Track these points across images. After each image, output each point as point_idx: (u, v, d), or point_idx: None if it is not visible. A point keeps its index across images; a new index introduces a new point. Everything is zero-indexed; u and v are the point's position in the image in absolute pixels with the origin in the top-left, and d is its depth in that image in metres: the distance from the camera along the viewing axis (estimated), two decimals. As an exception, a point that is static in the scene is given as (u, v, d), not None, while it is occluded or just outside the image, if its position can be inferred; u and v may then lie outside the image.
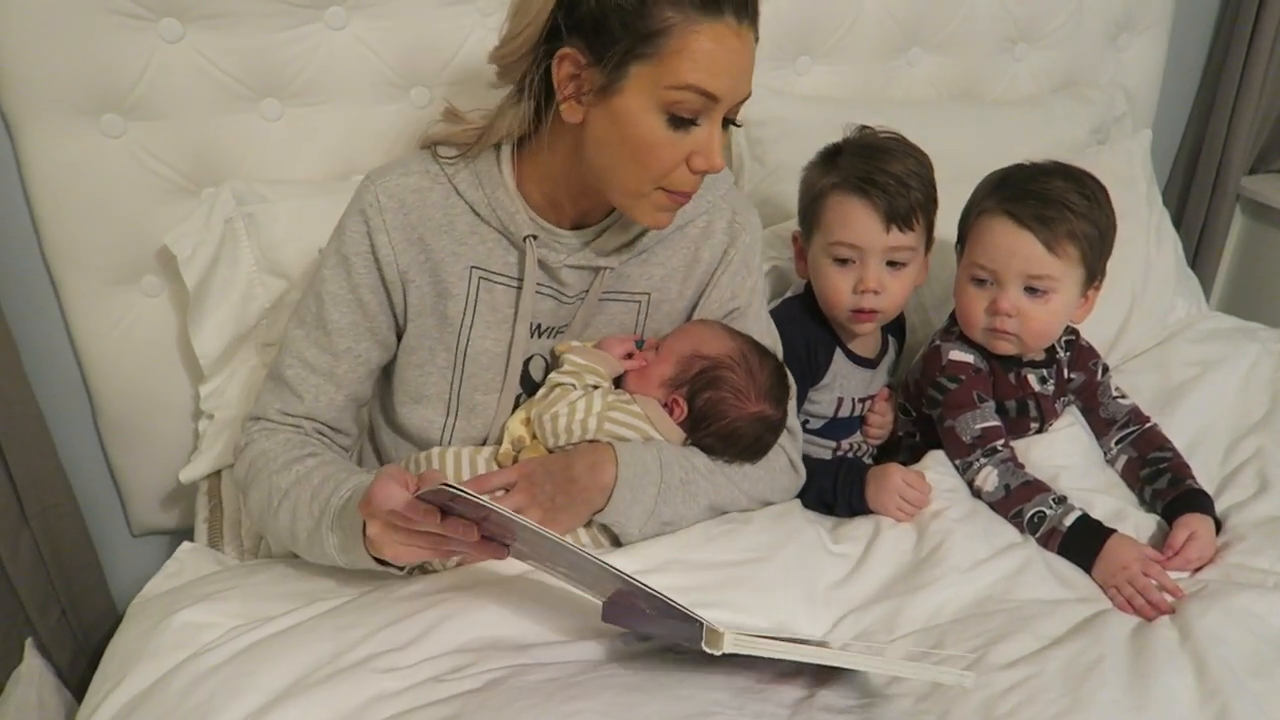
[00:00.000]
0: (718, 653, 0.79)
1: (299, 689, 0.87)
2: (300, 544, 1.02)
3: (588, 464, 1.07)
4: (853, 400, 1.35)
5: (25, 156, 1.30)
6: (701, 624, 0.80)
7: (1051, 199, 1.19)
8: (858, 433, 1.37)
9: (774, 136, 1.59)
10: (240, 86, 1.35)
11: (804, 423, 1.33)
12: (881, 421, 1.37)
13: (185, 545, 1.23)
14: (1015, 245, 1.20)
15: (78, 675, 1.55)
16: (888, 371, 1.40)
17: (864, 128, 1.29)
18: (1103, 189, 1.23)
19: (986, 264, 1.23)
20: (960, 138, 1.61)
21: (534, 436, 1.13)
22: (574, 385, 1.10)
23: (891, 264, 1.24)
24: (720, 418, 1.12)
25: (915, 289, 1.31)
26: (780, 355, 1.22)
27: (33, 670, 1.38)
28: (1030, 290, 1.22)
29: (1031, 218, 1.19)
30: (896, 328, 1.43)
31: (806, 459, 1.27)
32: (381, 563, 0.96)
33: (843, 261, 1.25)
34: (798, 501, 1.22)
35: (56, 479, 1.48)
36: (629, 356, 1.15)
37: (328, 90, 1.40)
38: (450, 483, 0.81)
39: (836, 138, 1.31)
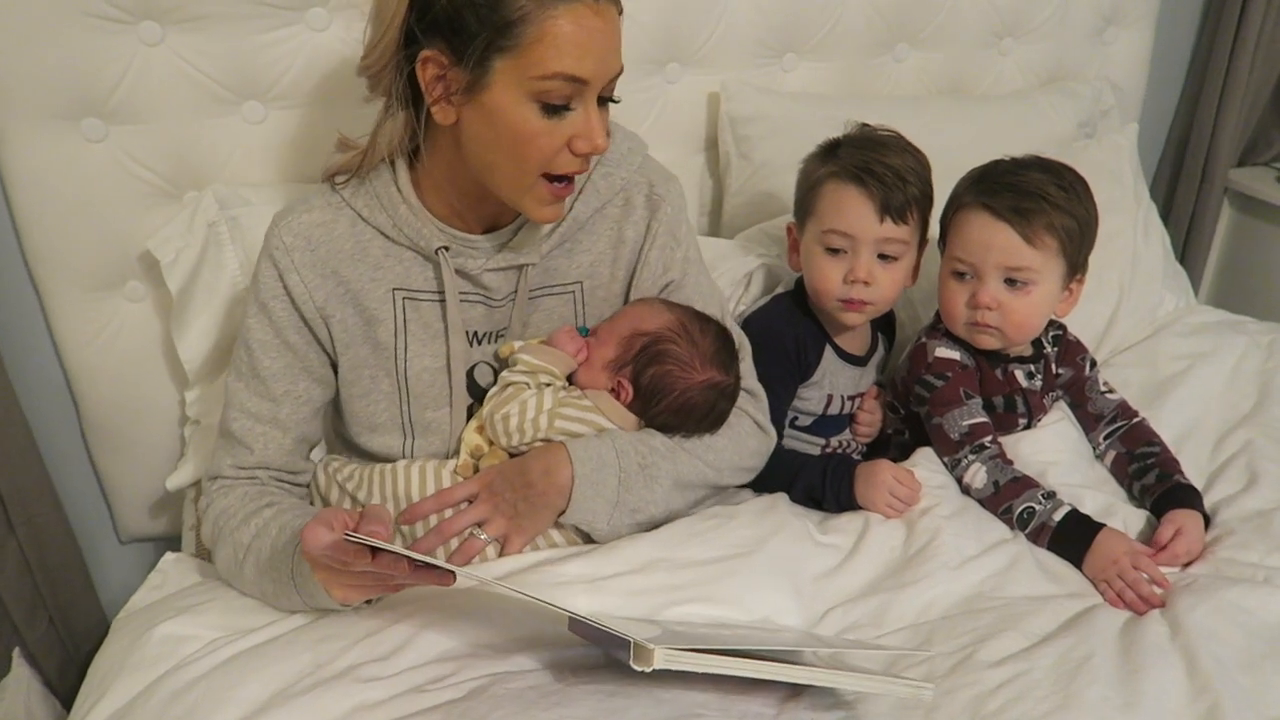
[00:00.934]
0: (648, 669, 0.76)
1: (280, 700, 0.87)
2: (270, 599, 1.02)
3: (543, 468, 1.06)
4: (842, 398, 1.34)
5: (5, 162, 1.29)
6: (630, 641, 0.78)
7: (1028, 191, 1.19)
8: (847, 430, 1.37)
9: (760, 134, 1.58)
10: (222, 89, 1.34)
11: (793, 420, 1.33)
12: (870, 419, 1.37)
13: (169, 556, 1.23)
14: (993, 238, 1.20)
15: (67, 683, 1.54)
16: (877, 369, 1.40)
17: (864, 125, 1.30)
18: (1082, 181, 1.23)
19: (965, 257, 1.23)
20: (948, 133, 1.60)
21: (491, 444, 1.12)
22: (527, 384, 1.10)
23: (883, 257, 1.24)
24: (669, 391, 1.11)
25: (905, 289, 1.31)
26: (724, 314, 1.21)
27: (20, 680, 1.37)
28: (1010, 283, 1.22)
29: (1008, 210, 1.19)
30: (886, 325, 1.42)
31: (794, 453, 1.27)
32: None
33: (835, 251, 1.24)
34: (784, 496, 1.21)
35: (42, 487, 1.47)
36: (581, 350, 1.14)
37: (311, 92, 1.38)
38: (354, 534, 0.81)
39: (824, 135, 1.31)
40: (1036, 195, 1.19)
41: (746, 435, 1.18)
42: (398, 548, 0.82)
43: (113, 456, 1.51)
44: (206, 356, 1.37)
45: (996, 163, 1.26)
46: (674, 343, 1.11)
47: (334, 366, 1.14)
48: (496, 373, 1.16)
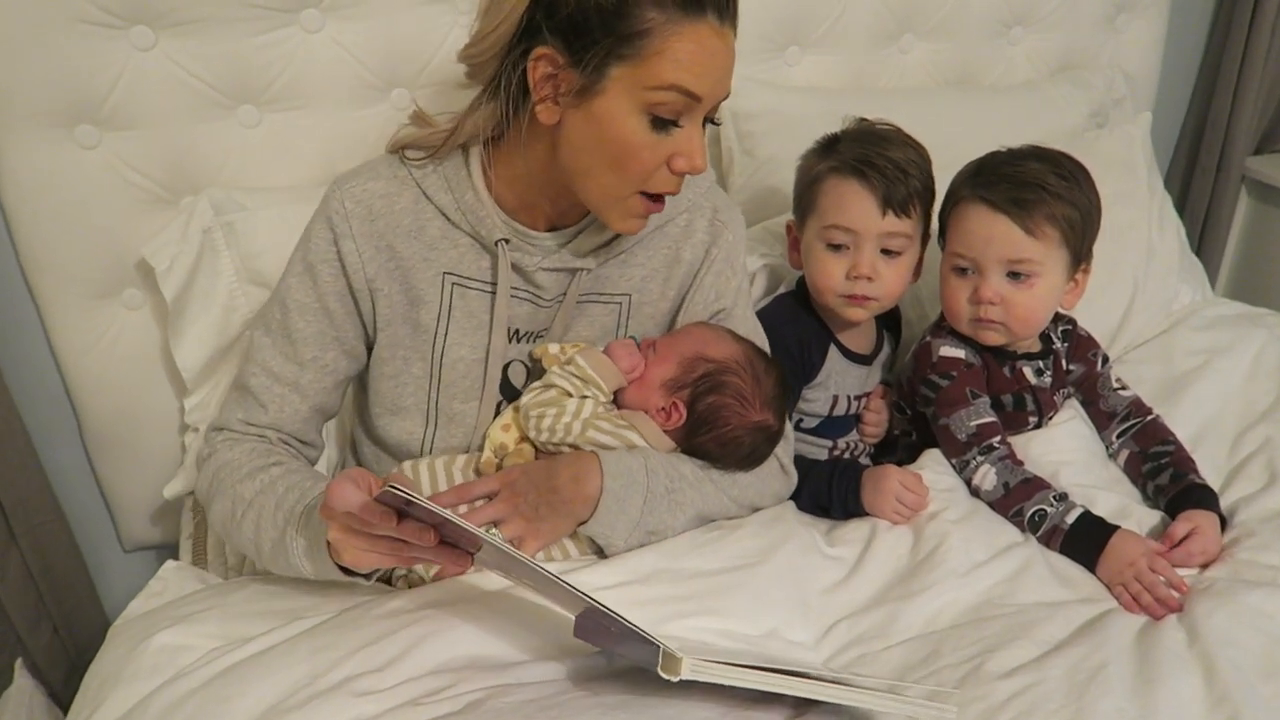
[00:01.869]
0: (675, 679, 0.75)
1: (276, 713, 0.85)
2: (265, 555, 1.00)
3: (572, 474, 1.04)
4: (848, 398, 1.32)
5: (0, 170, 1.28)
6: (659, 648, 0.77)
7: (1026, 181, 1.17)
8: (854, 431, 1.35)
9: (764, 129, 1.56)
10: (216, 93, 1.33)
11: (798, 421, 1.31)
12: (877, 420, 1.34)
13: (169, 564, 1.22)
14: (992, 230, 1.17)
15: (72, 693, 1.51)
16: (883, 368, 1.37)
17: (862, 119, 1.27)
18: (1082, 169, 1.20)
19: (965, 252, 1.20)
20: (956, 125, 1.57)
21: (518, 442, 1.10)
22: (569, 392, 1.08)
23: (886, 252, 1.21)
24: (721, 424, 1.10)
25: (912, 282, 1.28)
26: (767, 351, 1.19)
27: (22, 692, 1.37)
28: (1013, 276, 1.19)
29: (1007, 201, 1.17)
30: (892, 323, 1.40)
31: (800, 460, 1.25)
32: (347, 571, 0.93)
33: (837, 247, 1.22)
34: (791, 504, 1.19)
35: (44, 496, 1.47)
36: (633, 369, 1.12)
37: (306, 95, 1.37)
38: (399, 486, 0.78)
39: (828, 129, 1.29)
40: (1035, 185, 1.16)
41: (771, 477, 1.16)
42: (435, 507, 0.78)
43: (114, 465, 1.50)
44: (204, 363, 1.36)
45: (993, 154, 1.23)
46: (739, 376, 1.09)
47: (368, 343, 1.12)
48: (530, 372, 1.14)
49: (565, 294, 1.11)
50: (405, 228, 1.06)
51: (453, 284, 1.08)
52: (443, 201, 1.06)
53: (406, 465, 1.11)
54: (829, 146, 1.24)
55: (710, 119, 0.99)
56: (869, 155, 1.18)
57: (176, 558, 1.36)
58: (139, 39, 1.26)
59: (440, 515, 0.79)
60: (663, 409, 1.10)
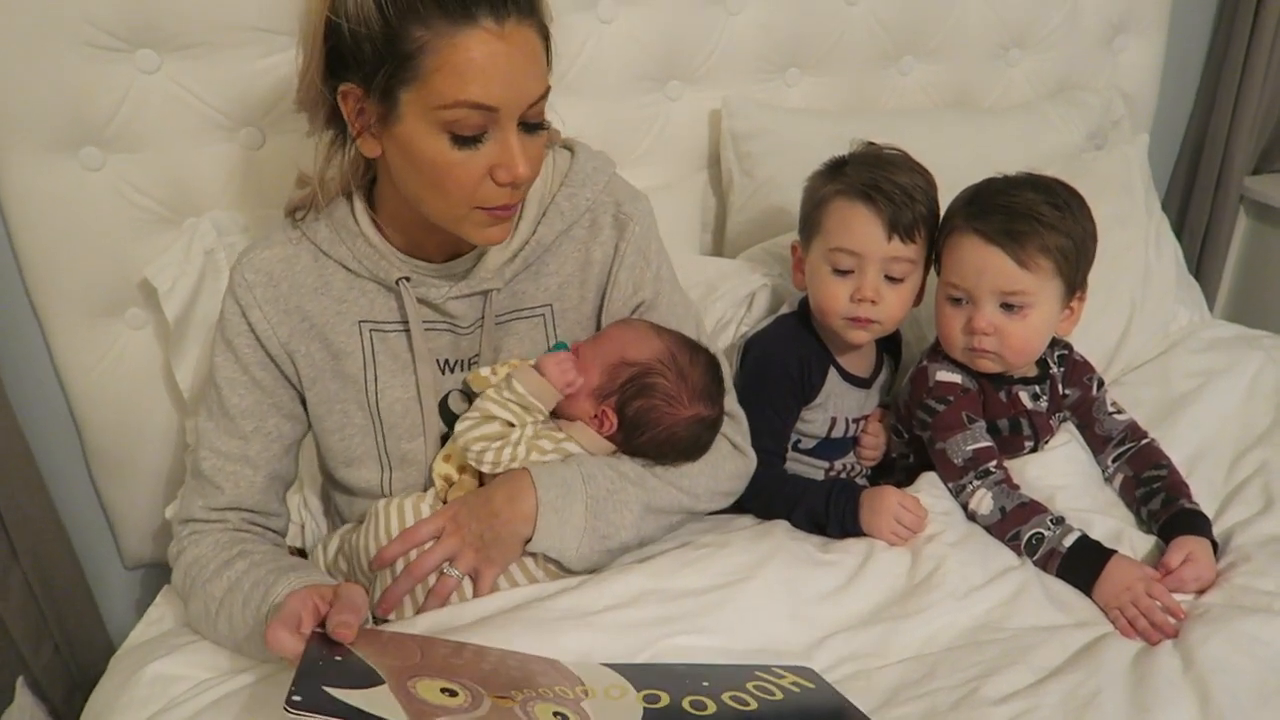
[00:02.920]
0: None
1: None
2: (244, 649, 0.99)
3: (506, 495, 1.04)
4: (846, 420, 1.32)
5: (5, 191, 1.29)
6: None
7: (1020, 212, 1.17)
8: (851, 453, 1.35)
9: (763, 150, 1.57)
10: (219, 116, 1.34)
11: (796, 443, 1.32)
12: (874, 443, 1.35)
13: (167, 589, 1.21)
14: (985, 262, 1.18)
15: (74, 710, 1.52)
16: (882, 391, 1.37)
17: (870, 143, 1.28)
18: (1077, 197, 1.21)
19: (959, 282, 1.21)
20: (955, 146, 1.59)
21: (460, 472, 1.10)
22: (511, 421, 1.07)
23: (890, 277, 1.22)
24: (654, 425, 1.09)
25: (914, 307, 1.29)
26: (700, 333, 1.19)
27: (23, 710, 1.37)
28: (1006, 307, 1.19)
29: (1000, 233, 1.17)
30: (892, 346, 1.40)
31: (796, 477, 1.25)
32: None
33: (841, 271, 1.22)
34: (782, 522, 1.19)
35: (46, 514, 1.47)
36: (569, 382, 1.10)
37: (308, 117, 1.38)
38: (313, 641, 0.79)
39: (828, 151, 1.29)
40: (1028, 216, 1.16)
41: (723, 459, 1.15)
42: (364, 640, 0.79)
43: (116, 483, 1.51)
44: (204, 382, 1.37)
45: (988, 182, 1.23)
46: (663, 375, 1.08)
47: (304, 402, 1.12)
48: (469, 398, 1.13)
49: (482, 317, 1.11)
50: (310, 286, 1.07)
51: (370, 330, 1.09)
52: (339, 253, 1.07)
53: (380, 506, 1.09)
54: (836, 169, 1.25)
55: (533, 123, 0.95)
56: (876, 179, 1.18)
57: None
58: (144, 62, 1.28)
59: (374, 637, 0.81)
60: (595, 417, 1.10)
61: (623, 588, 1.02)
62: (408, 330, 1.08)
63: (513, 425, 1.07)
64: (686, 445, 1.11)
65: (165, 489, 1.48)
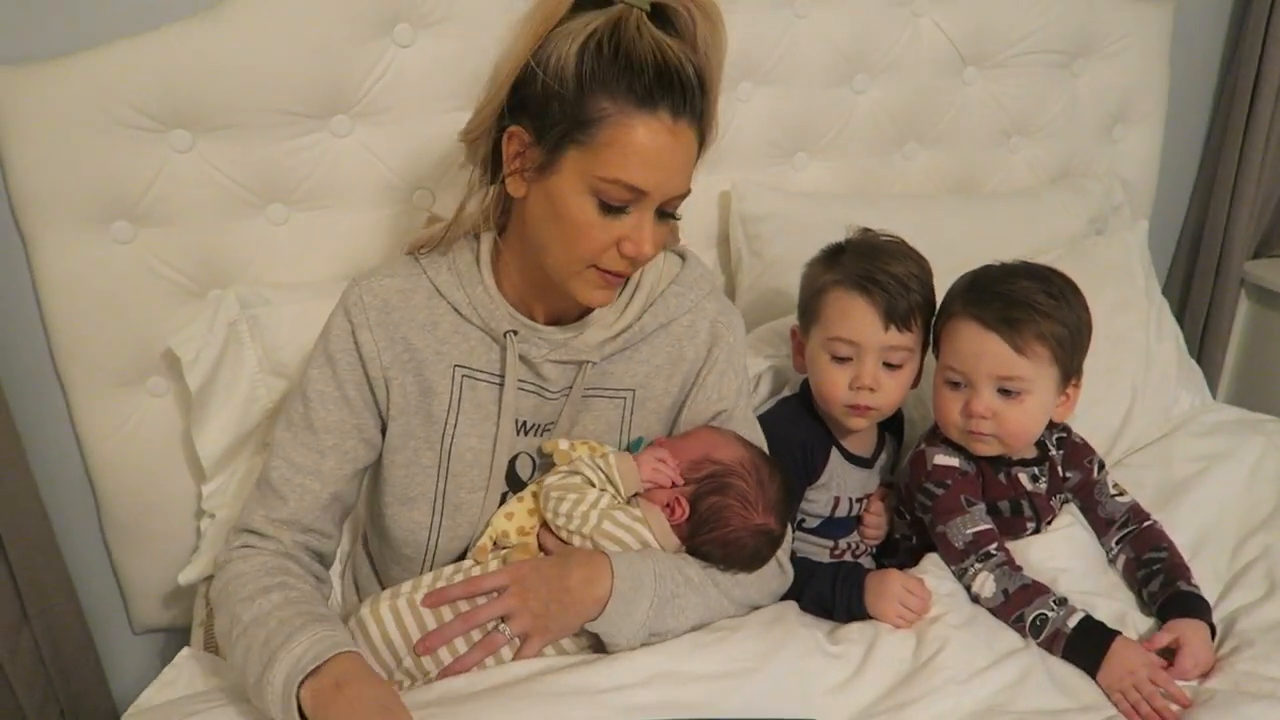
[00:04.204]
0: None
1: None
2: (249, 687, 0.99)
3: (584, 575, 1.05)
4: (850, 499, 1.34)
5: (37, 262, 1.34)
6: None
7: (1017, 300, 1.20)
8: (855, 532, 1.36)
9: (772, 232, 1.61)
10: (247, 193, 1.39)
11: (801, 522, 1.33)
12: (877, 522, 1.36)
13: (185, 652, 1.22)
14: (983, 347, 1.20)
15: (74, 775, 1.53)
16: (885, 470, 1.39)
17: (866, 230, 1.31)
18: (1072, 287, 1.24)
19: (957, 366, 1.23)
20: (958, 230, 1.63)
21: (520, 533, 1.12)
22: (593, 481, 1.10)
23: (888, 365, 1.25)
24: (723, 525, 1.11)
25: (913, 388, 1.31)
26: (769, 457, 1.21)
27: (26, 775, 1.37)
28: (1003, 392, 1.21)
29: (997, 319, 1.20)
30: (895, 425, 1.42)
31: (804, 561, 1.26)
32: None
33: (841, 359, 1.25)
34: (792, 604, 1.20)
35: (59, 578, 1.49)
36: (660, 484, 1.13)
37: (332, 195, 1.43)
38: None
39: (834, 233, 1.33)
40: (1025, 304, 1.19)
41: (770, 577, 1.18)
42: None
43: (129, 548, 1.52)
44: (224, 451, 1.40)
45: (986, 269, 1.27)
46: (743, 479, 1.11)
47: (384, 432, 1.15)
48: (536, 465, 1.17)
49: (571, 387, 1.14)
50: (419, 322, 1.11)
51: (463, 376, 1.12)
52: (455, 297, 1.11)
53: (405, 588, 1.10)
54: (833, 257, 1.28)
55: (667, 212, 1.03)
56: (872, 271, 1.22)
57: (186, 641, 1.37)
58: (177, 142, 1.33)
59: None
60: (667, 505, 1.12)
61: (635, 668, 1.02)
62: (500, 383, 1.12)
63: (593, 484, 1.10)
64: (748, 554, 1.13)
65: (178, 555, 1.49)
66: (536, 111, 0.98)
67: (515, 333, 1.11)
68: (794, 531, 1.32)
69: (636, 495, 1.13)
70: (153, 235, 1.36)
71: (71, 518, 1.53)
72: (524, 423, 1.15)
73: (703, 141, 1.03)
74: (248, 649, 0.98)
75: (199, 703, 1.04)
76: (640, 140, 0.96)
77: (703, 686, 1.02)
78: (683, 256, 1.22)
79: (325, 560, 1.16)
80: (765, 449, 1.22)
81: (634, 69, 0.95)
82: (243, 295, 1.38)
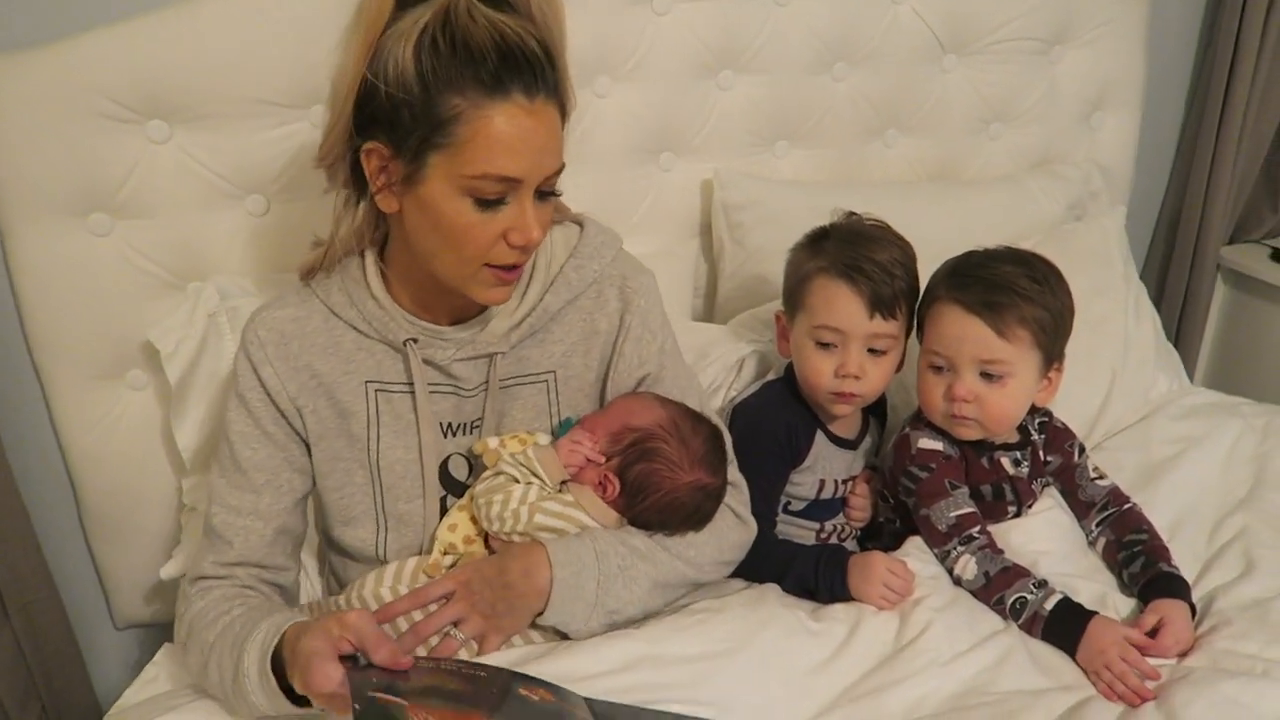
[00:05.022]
0: None
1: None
2: (230, 698, 0.99)
3: (521, 569, 1.05)
4: (835, 482, 1.34)
5: (13, 256, 1.33)
6: None
7: (999, 284, 1.20)
8: (840, 514, 1.37)
9: (753, 220, 1.62)
10: (226, 184, 1.38)
11: (786, 504, 1.34)
12: (861, 504, 1.37)
13: (165, 648, 1.22)
14: (965, 331, 1.21)
15: (58, 773, 1.53)
16: (869, 452, 1.40)
17: (851, 214, 1.31)
18: (1055, 272, 1.25)
19: (940, 350, 1.24)
20: (938, 217, 1.63)
21: (466, 542, 1.12)
22: (516, 477, 1.10)
23: (872, 350, 1.25)
24: (655, 490, 1.11)
25: (896, 373, 1.32)
26: (704, 406, 1.21)
27: (8, 772, 1.36)
28: (986, 376, 1.22)
29: (980, 304, 1.20)
30: (878, 409, 1.43)
31: (786, 543, 1.27)
32: (298, 702, 0.93)
33: (825, 345, 1.26)
34: (774, 587, 1.21)
35: (39, 573, 1.48)
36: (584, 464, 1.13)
37: (312, 186, 1.38)
38: (358, 671, 0.82)
39: (815, 221, 1.33)
40: (1007, 288, 1.20)
41: (727, 529, 1.17)
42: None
43: (110, 543, 1.51)
44: (204, 444, 1.38)
45: (969, 254, 1.27)
46: (665, 441, 1.11)
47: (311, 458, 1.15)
48: (471, 465, 1.16)
49: (487, 381, 1.13)
50: (320, 346, 1.11)
51: (375, 390, 1.12)
52: (349, 315, 1.10)
53: (369, 579, 1.12)
54: (817, 243, 1.28)
55: (546, 190, 1.01)
56: (857, 258, 1.22)
57: (168, 636, 1.36)
58: (154, 132, 1.32)
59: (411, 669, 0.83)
60: (598, 483, 1.12)
61: (616, 653, 1.02)
62: (413, 391, 1.11)
63: (517, 480, 1.09)
64: (688, 512, 1.12)
65: (160, 549, 1.48)
66: (388, 124, 0.95)
67: (415, 340, 1.10)
68: (779, 514, 1.32)
69: (566, 481, 1.13)
70: (131, 227, 1.35)
71: (51, 513, 1.52)
72: (448, 424, 1.15)
73: (564, 112, 1.00)
74: (220, 661, 0.99)
75: (180, 697, 1.04)
76: (500, 129, 0.93)
77: (684, 668, 1.02)
78: (580, 224, 1.19)
79: (286, 592, 1.16)
80: (701, 403, 1.21)
81: (475, 57, 0.92)
82: (222, 287, 1.38)
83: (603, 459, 1.12)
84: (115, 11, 1.27)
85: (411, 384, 1.11)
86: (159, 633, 1.56)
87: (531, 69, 0.94)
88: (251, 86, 1.33)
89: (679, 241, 1.68)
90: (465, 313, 1.12)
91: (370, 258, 1.10)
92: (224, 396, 1.34)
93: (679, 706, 0.98)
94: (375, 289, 1.09)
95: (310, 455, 1.14)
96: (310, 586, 1.30)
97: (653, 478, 1.11)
